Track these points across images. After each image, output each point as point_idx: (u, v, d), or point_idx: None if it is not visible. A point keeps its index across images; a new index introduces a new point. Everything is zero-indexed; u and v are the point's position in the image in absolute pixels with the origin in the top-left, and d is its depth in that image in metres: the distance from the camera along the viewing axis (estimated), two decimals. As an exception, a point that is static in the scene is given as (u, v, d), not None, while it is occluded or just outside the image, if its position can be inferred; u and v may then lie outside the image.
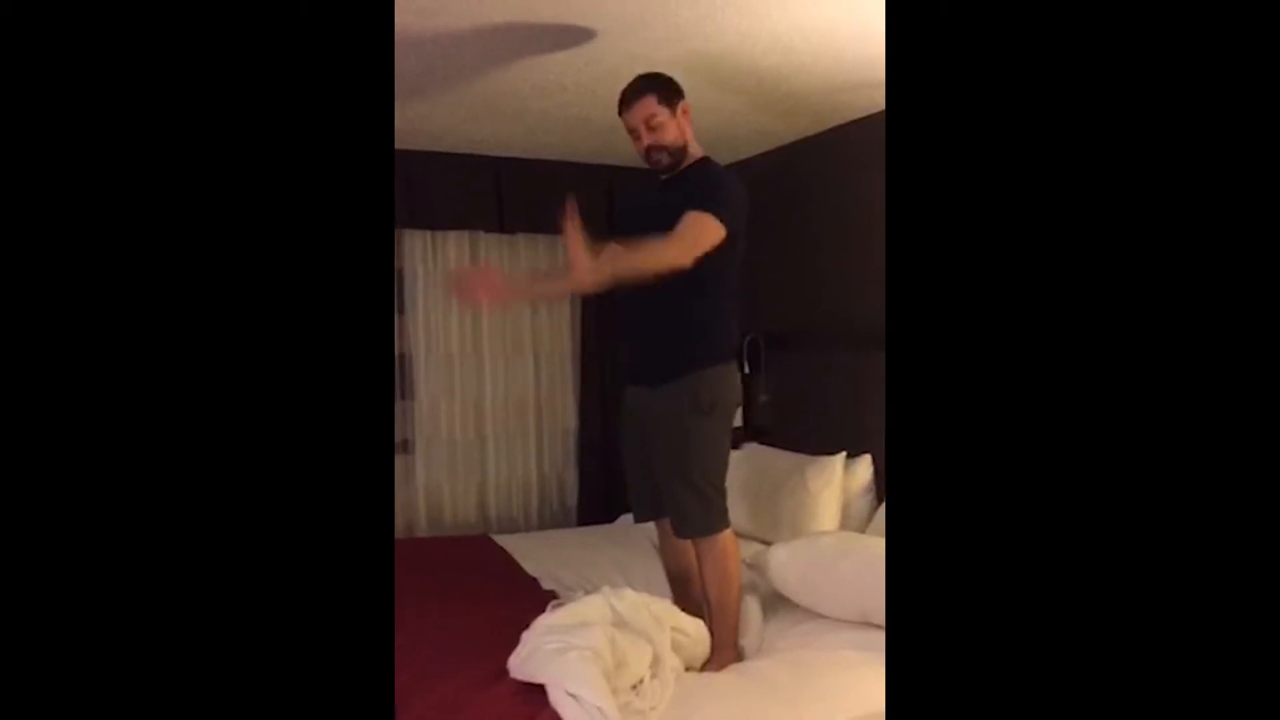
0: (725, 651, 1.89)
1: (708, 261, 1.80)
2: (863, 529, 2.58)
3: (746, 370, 3.36)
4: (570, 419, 3.58)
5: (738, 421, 3.28)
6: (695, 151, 1.97)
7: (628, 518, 2.79)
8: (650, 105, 1.87)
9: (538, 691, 1.51)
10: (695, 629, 1.82)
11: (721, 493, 1.96)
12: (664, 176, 1.98)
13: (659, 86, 1.89)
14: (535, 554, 2.66)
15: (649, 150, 1.92)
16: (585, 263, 1.76)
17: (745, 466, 2.90)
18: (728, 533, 1.95)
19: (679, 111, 1.90)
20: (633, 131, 1.92)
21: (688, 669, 1.78)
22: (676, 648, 1.74)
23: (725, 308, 1.97)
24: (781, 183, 3.23)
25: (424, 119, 2.71)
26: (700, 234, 1.79)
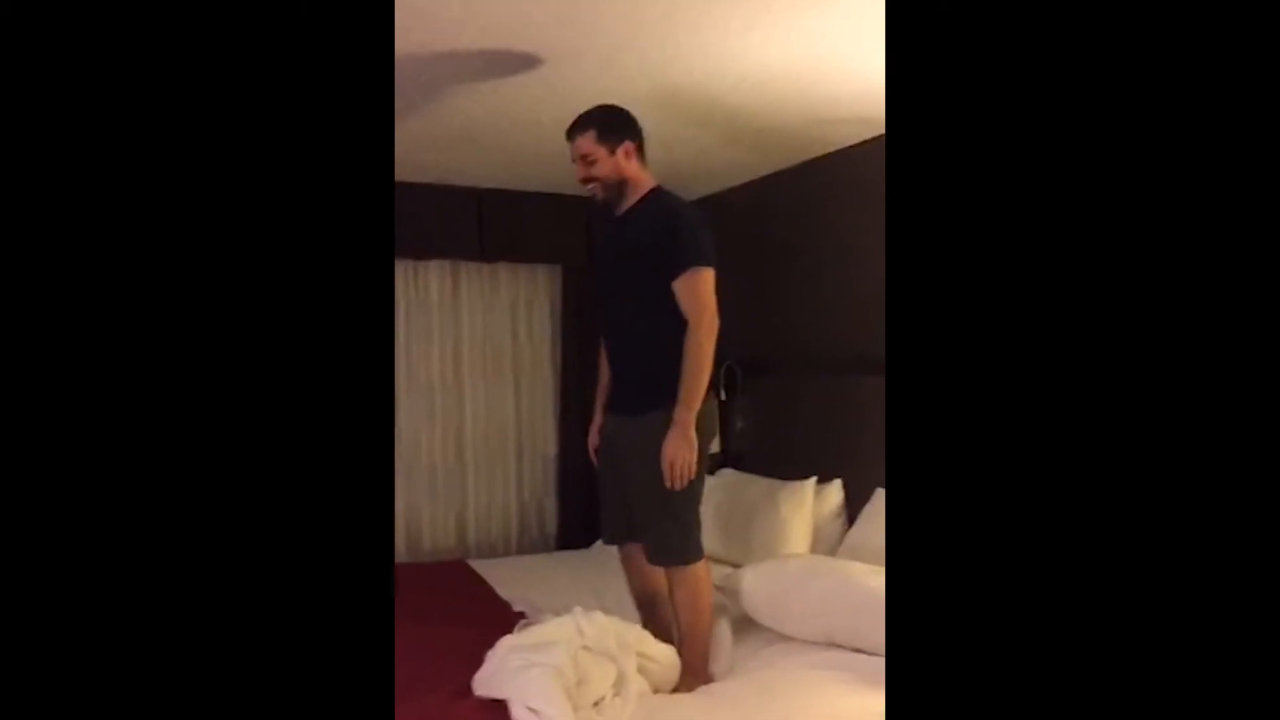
0: (696, 675, 1.92)
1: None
2: (833, 552, 2.62)
3: (723, 397, 3.41)
4: (550, 445, 3.62)
5: (715, 448, 3.33)
6: (643, 185, 2.02)
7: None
8: (587, 143, 1.96)
9: (500, 708, 1.54)
10: (664, 655, 1.84)
11: (697, 522, 2.00)
12: (617, 211, 2.04)
13: (598, 123, 1.96)
14: (511, 579, 2.68)
15: (583, 182, 2.01)
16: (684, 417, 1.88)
17: (720, 491, 2.94)
18: (702, 561, 1.98)
19: (620, 150, 1.97)
20: (574, 162, 2.00)
21: (657, 693, 1.81)
22: (645, 673, 1.77)
23: None
24: (757, 214, 3.31)
25: (406, 150, 2.78)
26: (704, 292, 1.93)
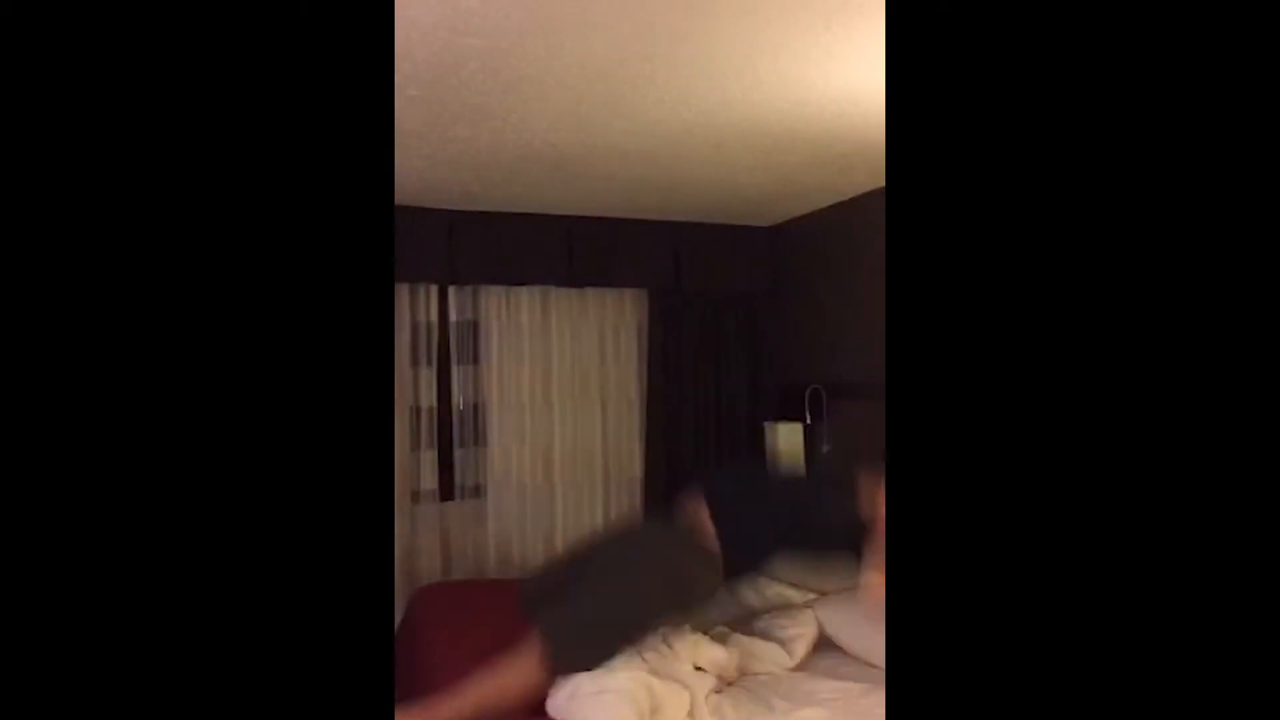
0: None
1: None
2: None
3: (809, 420, 3.38)
4: (636, 468, 3.66)
5: (801, 471, 3.30)
6: None
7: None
8: None
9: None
10: (723, 654, 1.85)
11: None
12: None
13: None
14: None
15: None
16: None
17: (804, 516, 2.91)
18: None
19: None
20: None
21: (730, 683, 1.81)
22: (709, 668, 1.78)
23: None
24: (840, 237, 3.28)
25: (497, 181, 2.91)
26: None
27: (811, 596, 2.45)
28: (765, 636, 2.14)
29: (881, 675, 2.01)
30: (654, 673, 1.67)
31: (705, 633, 2.03)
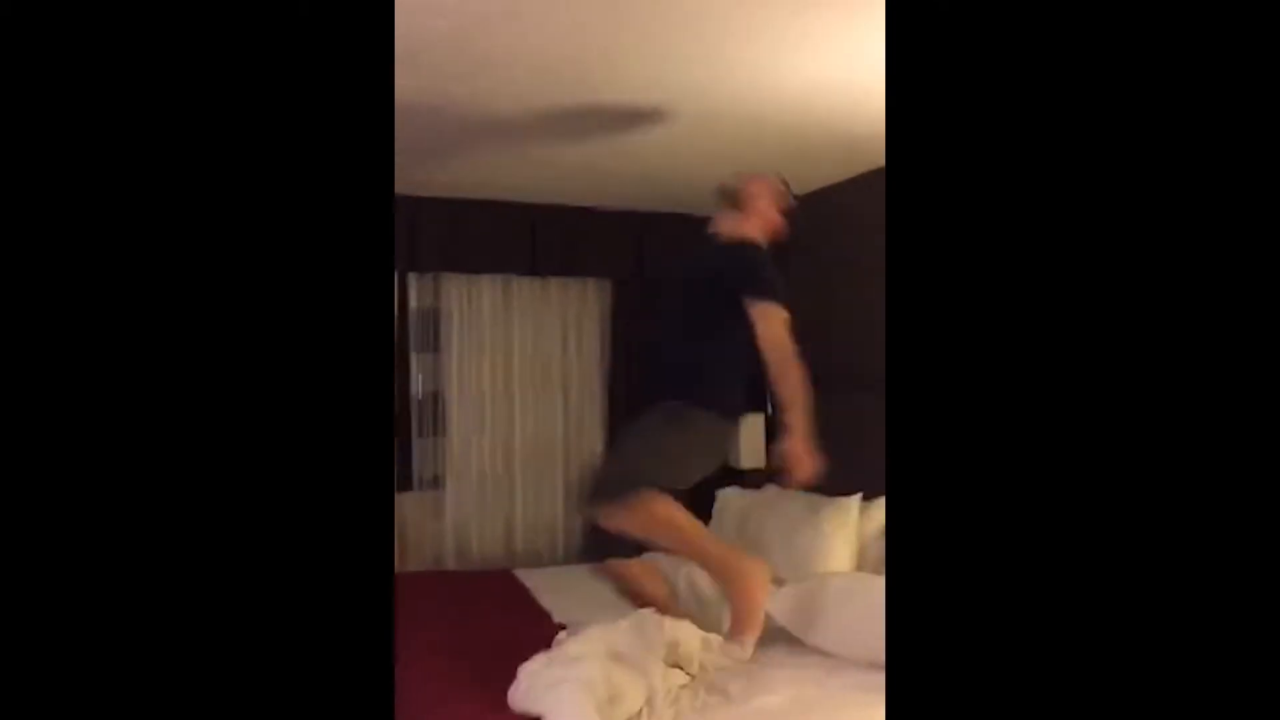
0: (739, 627, 2.02)
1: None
2: (878, 571, 2.59)
3: (771, 411, 3.40)
4: (597, 458, 3.65)
5: (759, 463, 3.32)
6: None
7: (651, 554, 2.84)
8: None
9: (534, 722, 1.56)
10: (699, 640, 1.89)
11: (647, 472, 2.04)
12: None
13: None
14: (554, 588, 2.71)
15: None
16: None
17: (762, 507, 2.93)
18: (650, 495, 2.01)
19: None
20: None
21: (698, 679, 1.84)
22: (683, 662, 1.79)
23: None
24: (814, 228, 3.29)
25: (460, 168, 2.86)
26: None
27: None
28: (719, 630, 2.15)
29: (835, 664, 2.03)
30: (615, 660, 1.67)
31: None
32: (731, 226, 2.21)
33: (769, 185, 2.25)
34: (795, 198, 2.33)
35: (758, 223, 2.22)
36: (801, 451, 2.07)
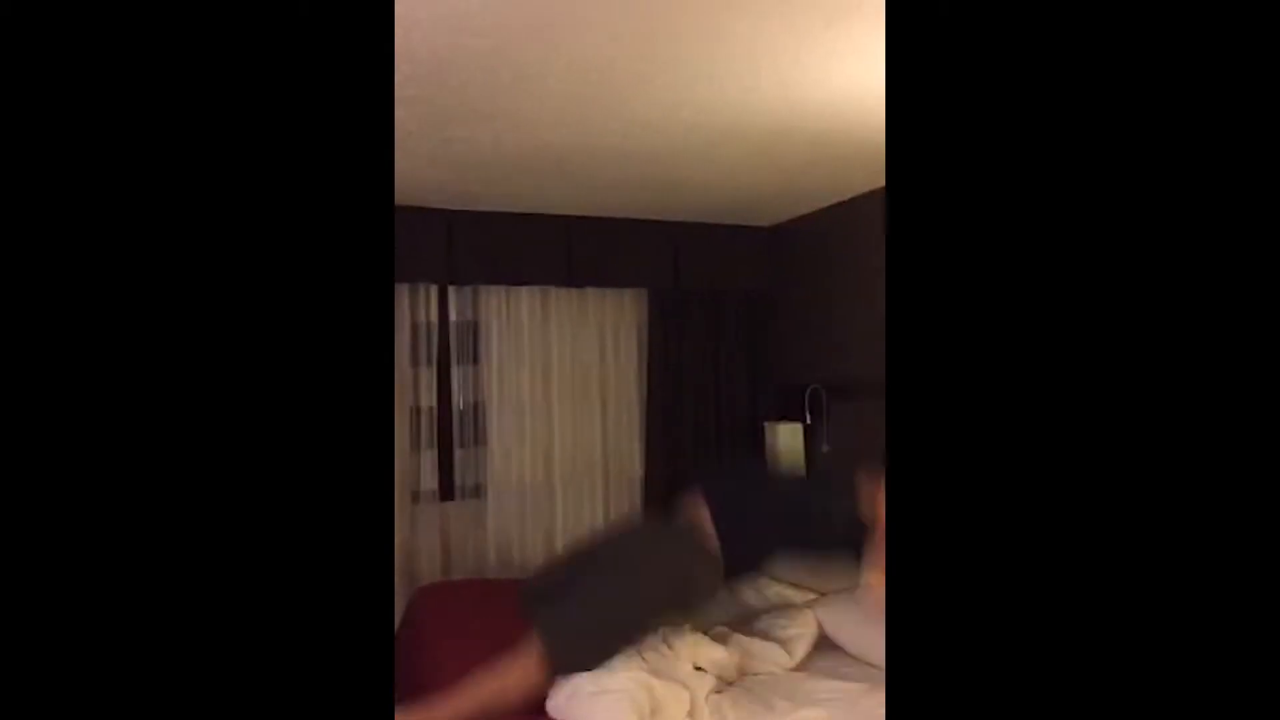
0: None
1: None
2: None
3: (809, 420, 3.38)
4: (636, 467, 3.66)
5: (800, 471, 3.30)
6: None
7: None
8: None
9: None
10: (723, 654, 1.86)
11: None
12: None
13: None
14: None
15: None
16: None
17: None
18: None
19: None
20: None
21: (730, 683, 1.82)
22: (709, 668, 1.78)
23: None
24: (839, 237, 3.28)
25: (496, 180, 2.91)
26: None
27: (811, 596, 2.45)
28: (765, 636, 2.14)
29: (881, 675, 2.01)
30: (654, 673, 1.68)
31: (705, 633, 2.03)
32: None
33: None
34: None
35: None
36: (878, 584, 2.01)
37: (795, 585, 2.53)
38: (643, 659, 1.72)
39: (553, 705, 1.64)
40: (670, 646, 1.77)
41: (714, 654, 1.86)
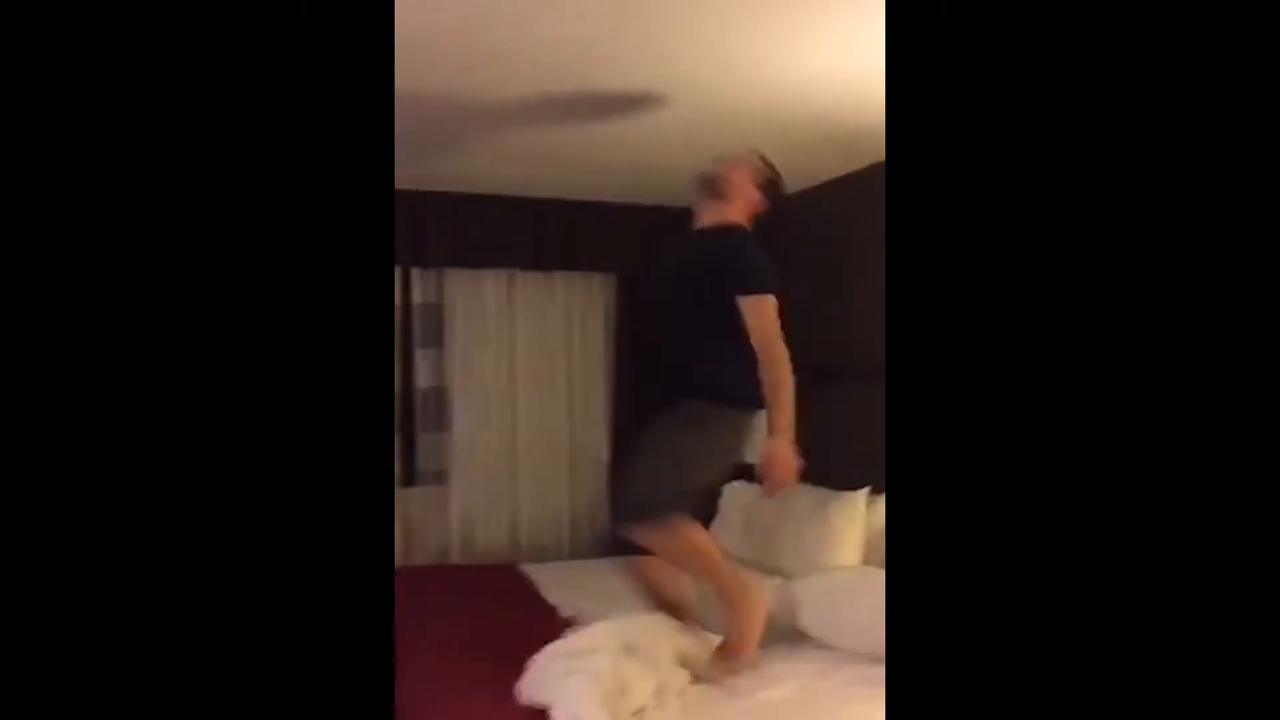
0: (731, 654, 1.89)
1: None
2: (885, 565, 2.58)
3: (775, 406, 3.38)
4: (603, 452, 3.65)
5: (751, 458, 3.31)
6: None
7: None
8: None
9: (543, 715, 1.56)
10: (699, 646, 1.86)
11: (682, 495, 1.95)
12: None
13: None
14: (559, 582, 2.72)
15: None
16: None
17: (769, 501, 2.92)
18: (680, 520, 1.91)
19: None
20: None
21: (696, 682, 1.82)
22: (686, 664, 1.78)
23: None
24: (823, 219, 3.28)
25: (464, 162, 2.85)
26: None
27: (778, 581, 2.46)
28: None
29: (840, 658, 2.03)
30: (627, 654, 1.67)
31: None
32: (714, 215, 2.11)
33: (748, 166, 2.14)
34: (775, 170, 2.18)
35: (740, 205, 2.12)
36: (780, 454, 1.91)
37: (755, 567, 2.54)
38: (622, 639, 1.72)
39: (522, 686, 1.64)
40: (654, 631, 1.77)
41: (687, 644, 1.86)
